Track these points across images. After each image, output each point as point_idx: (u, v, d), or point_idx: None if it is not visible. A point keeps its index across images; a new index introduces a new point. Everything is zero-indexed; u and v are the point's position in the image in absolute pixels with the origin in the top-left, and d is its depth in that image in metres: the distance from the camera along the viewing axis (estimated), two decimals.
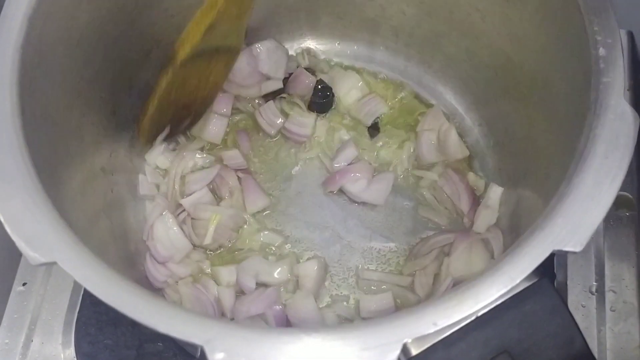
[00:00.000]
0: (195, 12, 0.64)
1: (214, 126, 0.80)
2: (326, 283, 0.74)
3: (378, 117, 0.82)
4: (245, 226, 0.76)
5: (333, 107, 0.83)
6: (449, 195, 0.76)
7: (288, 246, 0.76)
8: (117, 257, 0.68)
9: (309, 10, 0.84)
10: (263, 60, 0.80)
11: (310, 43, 0.87)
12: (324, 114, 0.83)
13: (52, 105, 0.59)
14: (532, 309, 0.46)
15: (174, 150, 0.79)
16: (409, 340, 0.43)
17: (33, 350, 0.73)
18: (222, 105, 0.80)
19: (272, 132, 0.81)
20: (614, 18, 0.53)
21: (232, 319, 0.70)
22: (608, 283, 0.74)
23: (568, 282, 0.74)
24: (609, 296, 0.73)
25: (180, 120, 0.76)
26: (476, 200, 0.76)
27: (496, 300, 0.45)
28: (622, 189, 0.48)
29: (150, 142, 0.76)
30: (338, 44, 0.87)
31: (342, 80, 0.83)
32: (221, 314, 0.70)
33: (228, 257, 0.75)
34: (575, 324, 0.46)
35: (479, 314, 0.45)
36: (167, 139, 0.77)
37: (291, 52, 0.87)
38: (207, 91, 0.76)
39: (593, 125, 0.50)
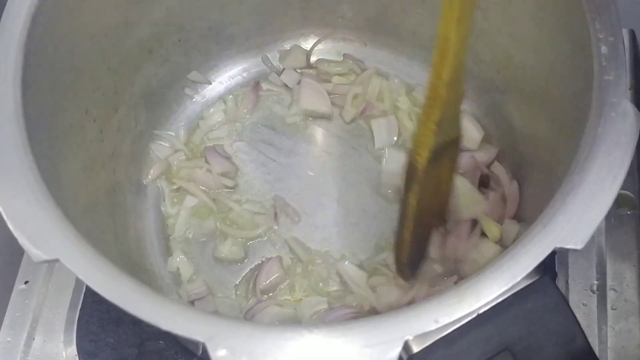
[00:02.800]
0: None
1: None
2: None
3: None
4: None
5: None
6: None
7: None
8: (120, 254, 0.68)
9: (309, 9, 0.84)
10: None
11: (311, 42, 0.88)
12: None
13: (55, 103, 0.59)
14: (533, 306, 0.46)
15: None
16: (411, 338, 0.43)
17: (35, 348, 0.73)
18: None
19: None
20: (617, 16, 0.54)
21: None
22: (609, 282, 0.74)
23: (569, 281, 0.74)
24: (610, 295, 0.73)
25: (426, 237, 0.69)
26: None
27: (497, 297, 0.45)
28: (623, 187, 0.48)
29: (412, 273, 0.68)
30: (339, 42, 0.87)
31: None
32: None
33: None
34: (577, 321, 0.46)
35: (480, 311, 0.45)
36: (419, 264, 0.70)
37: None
38: (442, 198, 0.68)
39: (595, 123, 0.50)
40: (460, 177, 0.72)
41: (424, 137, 0.56)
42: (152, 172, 0.79)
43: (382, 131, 0.81)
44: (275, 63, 0.87)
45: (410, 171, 0.59)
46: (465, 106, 0.82)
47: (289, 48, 0.87)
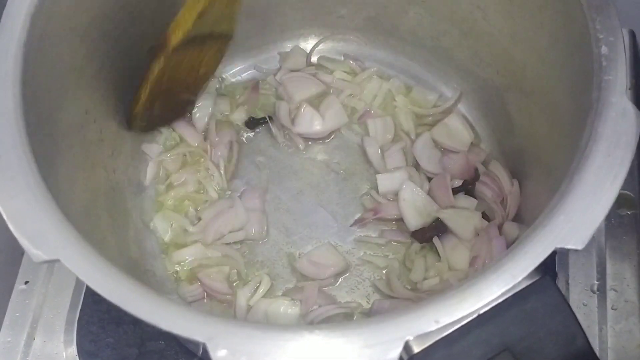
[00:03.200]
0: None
1: None
2: None
3: None
4: None
5: None
6: None
7: None
8: (120, 254, 0.68)
9: (309, 10, 0.84)
10: None
11: (311, 42, 0.87)
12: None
13: (55, 102, 0.59)
14: (533, 306, 0.46)
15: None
16: (411, 338, 0.43)
17: (35, 348, 0.73)
18: None
19: None
20: (616, 16, 0.53)
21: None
22: (609, 282, 0.74)
23: (569, 281, 0.74)
24: (610, 295, 0.73)
25: (171, 109, 0.76)
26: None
27: (498, 298, 0.45)
28: (623, 187, 0.48)
29: (143, 130, 0.76)
30: (339, 42, 0.87)
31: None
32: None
33: None
34: (577, 321, 0.46)
35: (481, 311, 0.45)
36: (157, 127, 0.78)
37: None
38: (198, 79, 0.76)
39: (595, 123, 0.50)
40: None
41: (183, 21, 0.64)
42: (148, 173, 0.79)
43: (378, 130, 0.81)
44: (268, 66, 0.87)
45: (162, 43, 0.65)
46: (465, 106, 0.82)
47: (289, 49, 0.87)
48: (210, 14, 0.64)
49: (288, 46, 0.87)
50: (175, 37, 0.65)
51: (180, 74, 0.71)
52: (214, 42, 0.71)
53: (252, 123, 0.83)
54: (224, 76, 0.86)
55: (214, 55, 0.74)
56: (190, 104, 0.79)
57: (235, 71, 0.87)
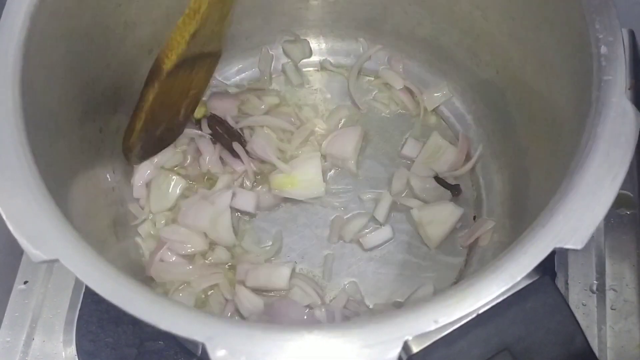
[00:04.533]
0: (177, 19, 0.63)
1: None
2: None
3: None
4: None
5: None
6: None
7: None
8: (119, 254, 0.68)
9: (308, 10, 0.84)
10: None
11: (311, 42, 0.87)
12: None
13: (54, 103, 0.59)
14: (533, 306, 0.46)
15: None
16: (410, 338, 0.43)
17: (34, 348, 0.73)
18: None
19: None
20: (616, 16, 0.54)
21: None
22: (609, 282, 0.74)
23: (569, 281, 0.74)
24: (609, 295, 0.73)
25: (164, 135, 0.75)
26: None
27: (497, 297, 0.45)
28: (623, 187, 0.48)
29: (140, 160, 0.75)
30: (339, 42, 0.87)
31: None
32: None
33: None
34: (576, 321, 0.46)
35: (480, 311, 0.45)
36: (152, 154, 0.76)
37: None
38: (190, 100, 0.74)
39: (594, 123, 0.50)
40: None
41: (176, 43, 0.62)
42: (139, 173, 0.77)
43: None
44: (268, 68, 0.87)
45: (155, 69, 0.64)
46: (464, 106, 0.82)
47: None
48: (202, 34, 0.63)
49: (285, 45, 0.87)
50: (169, 60, 0.63)
51: (172, 98, 0.69)
52: (203, 62, 0.70)
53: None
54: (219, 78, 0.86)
55: (204, 75, 0.73)
56: (182, 126, 0.77)
57: (235, 71, 0.87)
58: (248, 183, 0.77)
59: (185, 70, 0.66)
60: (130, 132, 0.69)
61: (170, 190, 0.76)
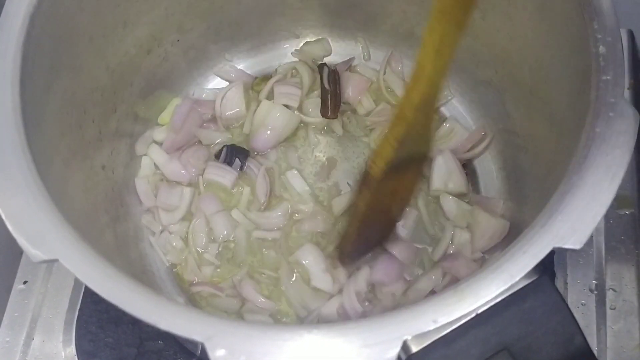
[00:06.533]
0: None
1: None
2: None
3: None
4: None
5: None
6: None
7: None
8: (119, 254, 0.68)
9: (307, 10, 0.84)
10: None
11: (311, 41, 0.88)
12: None
13: (53, 103, 0.59)
14: (532, 306, 0.46)
15: None
16: (409, 338, 0.43)
17: (34, 348, 0.73)
18: None
19: None
20: (615, 16, 0.54)
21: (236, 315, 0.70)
22: (608, 281, 0.74)
23: (568, 281, 0.74)
24: (608, 295, 0.73)
25: (375, 237, 0.73)
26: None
27: (496, 297, 0.45)
28: (621, 187, 0.48)
29: (352, 262, 0.74)
30: (339, 43, 0.87)
31: None
32: None
33: None
34: (575, 321, 0.46)
35: (479, 311, 0.45)
36: (363, 256, 0.74)
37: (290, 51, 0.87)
38: (399, 204, 0.71)
39: (593, 123, 0.50)
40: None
41: (383, 150, 0.59)
42: (141, 170, 0.79)
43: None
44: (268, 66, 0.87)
45: (364, 177, 0.62)
46: (464, 106, 0.82)
47: (288, 49, 0.88)
48: (409, 139, 0.59)
49: (285, 46, 0.87)
50: (378, 167, 0.61)
51: (383, 203, 0.67)
52: (411, 165, 0.65)
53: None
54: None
55: (412, 178, 0.69)
56: (392, 228, 0.75)
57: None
58: None
59: (394, 175, 0.63)
60: (347, 240, 0.70)
61: None
